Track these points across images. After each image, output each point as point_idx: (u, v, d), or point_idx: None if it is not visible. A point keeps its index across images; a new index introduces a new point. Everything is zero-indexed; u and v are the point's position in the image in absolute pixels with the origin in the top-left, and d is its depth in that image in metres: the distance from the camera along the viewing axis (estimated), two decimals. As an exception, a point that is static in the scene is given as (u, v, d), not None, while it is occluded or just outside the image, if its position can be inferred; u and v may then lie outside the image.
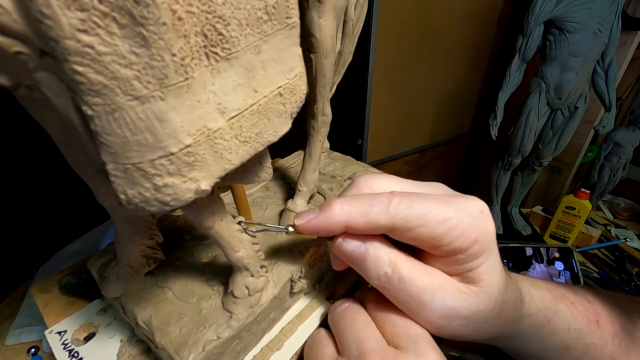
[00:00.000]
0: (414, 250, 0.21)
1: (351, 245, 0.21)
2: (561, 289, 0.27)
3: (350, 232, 0.21)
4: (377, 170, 0.39)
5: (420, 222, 0.19)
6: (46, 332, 0.27)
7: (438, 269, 0.21)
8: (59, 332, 0.27)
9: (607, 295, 0.28)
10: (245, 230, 0.23)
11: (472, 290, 0.20)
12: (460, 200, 0.20)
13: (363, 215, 0.20)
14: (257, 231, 0.23)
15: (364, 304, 0.24)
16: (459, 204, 0.20)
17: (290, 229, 0.22)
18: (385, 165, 1.19)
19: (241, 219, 0.23)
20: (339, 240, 0.21)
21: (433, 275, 0.20)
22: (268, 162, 0.20)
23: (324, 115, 0.28)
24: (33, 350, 0.38)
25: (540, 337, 0.24)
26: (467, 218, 0.19)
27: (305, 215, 0.21)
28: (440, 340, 0.21)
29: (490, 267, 0.21)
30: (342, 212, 0.20)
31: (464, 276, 0.21)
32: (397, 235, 0.20)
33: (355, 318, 0.22)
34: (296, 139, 0.27)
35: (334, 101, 0.29)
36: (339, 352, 0.22)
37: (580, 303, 0.27)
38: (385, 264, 0.20)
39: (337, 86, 0.34)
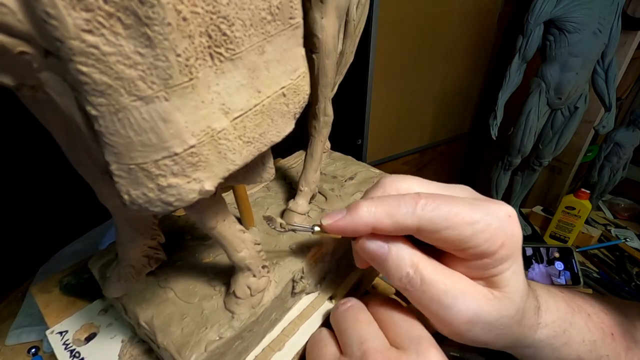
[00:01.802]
0: (439, 254, 0.21)
1: (374, 245, 0.21)
2: (577, 299, 0.27)
3: (377, 233, 0.21)
4: (378, 171, 0.39)
5: (447, 224, 0.19)
6: (47, 332, 0.27)
7: (462, 273, 0.21)
8: (60, 332, 0.27)
9: (622, 306, 0.28)
10: (273, 228, 0.23)
11: (495, 296, 0.20)
12: (487, 203, 0.20)
13: (389, 217, 0.19)
14: (285, 231, 0.23)
15: (366, 305, 0.24)
16: (487, 207, 0.20)
17: (317, 228, 0.22)
18: (385, 165, 1.19)
19: (269, 215, 0.23)
20: (362, 239, 0.21)
21: (456, 279, 0.20)
22: (270, 163, 0.20)
23: (326, 115, 0.28)
24: (33, 350, 0.38)
25: (554, 348, 0.24)
26: (495, 222, 0.19)
27: (332, 215, 0.21)
28: (442, 341, 0.21)
29: (515, 272, 0.20)
30: (369, 213, 0.20)
31: (489, 281, 0.21)
32: (424, 237, 0.20)
33: (358, 318, 0.22)
34: (297, 139, 0.27)
35: (334, 101, 0.29)
36: (341, 351, 0.22)
37: (597, 315, 0.26)
38: (407, 264, 0.20)
39: (338, 86, 0.33)
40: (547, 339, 0.24)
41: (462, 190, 0.22)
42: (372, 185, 0.24)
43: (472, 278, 0.21)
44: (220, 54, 0.13)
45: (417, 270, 0.20)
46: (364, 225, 0.20)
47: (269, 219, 0.24)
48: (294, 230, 0.24)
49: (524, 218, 0.99)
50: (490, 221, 0.19)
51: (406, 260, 0.20)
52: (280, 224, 0.24)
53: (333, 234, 0.21)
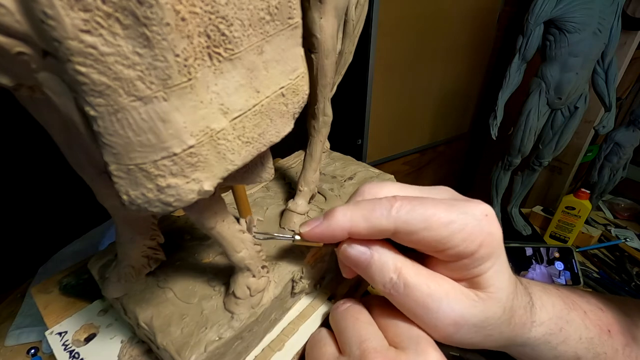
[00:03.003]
0: (422, 257, 0.21)
1: (356, 251, 0.21)
2: (573, 296, 0.27)
3: (355, 238, 0.21)
4: (377, 171, 0.39)
5: (423, 226, 0.19)
6: (47, 332, 0.27)
7: (445, 275, 0.21)
8: (60, 333, 0.27)
9: (618, 302, 0.28)
10: (253, 236, 0.23)
11: (479, 297, 0.20)
12: (464, 203, 0.20)
13: (365, 220, 0.20)
14: (264, 239, 0.24)
15: (365, 305, 0.24)
16: (464, 207, 0.20)
17: (297, 237, 0.22)
18: (385, 165, 1.18)
19: (251, 217, 0.23)
20: (344, 245, 0.21)
21: (439, 282, 0.20)
22: (270, 163, 0.20)
23: (325, 115, 0.28)
24: (33, 351, 0.38)
25: (551, 346, 0.24)
26: (471, 222, 0.19)
27: (309, 223, 0.21)
28: None
29: (497, 271, 0.20)
30: (345, 217, 0.20)
31: (472, 282, 0.20)
32: (401, 239, 0.20)
33: (357, 317, 0.22)
34: (296, 139, 0.27)
35: (333, 101, 0.29)
36: (340, 351, 0.22)
37: (593, 312, 0.26)
38: (391, 269, 0.20)
39: (337, 86, 0.33)
40: (543, 337, 0.24)
41: (442, 192, 0.22)
42: (352, 193, 0.24)
43: (455, 280, 0.21)
44: (219, 54, 0.13)
45: (401, 274, 0.20)
46: (340, 230, 0.20)
47: (249, 222, 0.23)
48: (273, 239, 0.24)
49: (524, 218, 0.99)
50: (467, 221, 0.19)
51: (389, 265, 0.20)
52: (256, 229, 0.23)
53: (313, 241, 0.22)
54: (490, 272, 0.20)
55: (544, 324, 0.24)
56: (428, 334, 0.21)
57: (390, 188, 0.22)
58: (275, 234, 0.24)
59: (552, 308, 0.24)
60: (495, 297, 0.20)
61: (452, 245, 0.19)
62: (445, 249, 0.19)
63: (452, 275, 0.21)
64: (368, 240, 0.21)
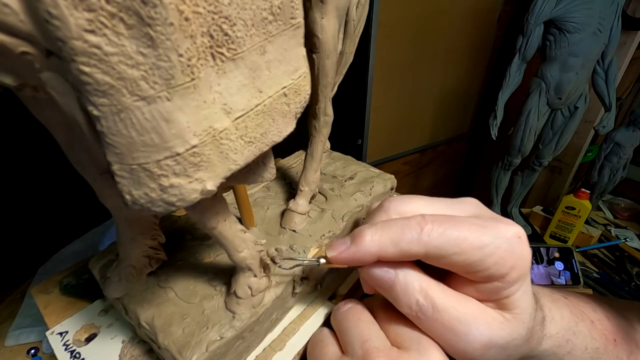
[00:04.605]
0: (446, 274, 0.21)
1: (380, 270, 0.20)
2: (581, 305, 0.26)
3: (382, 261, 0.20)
4: (377, 171, 0.39)
5: (455, 250, 0.18)
6: (47, 332, 0.27)
7: (471, 296, 0.20)
8: (60, 333, 0.27)
9: (624, 309, 0.28)
10: (278, 266, 0.24)
11: (506, 319, 0.20)
12: (496, 224, 0.19)
13: (394, 245, 0.19)
14: (291, 267, 0.23)
15: (367, 306, 0.24)
16: (496, 228, 0.19)
17: (322, 260, 0.22)
18: (385, 165, 1.19)
19: (274, 253, 0.24)
20: (368, 266, 0.21)
21: (466, 304, 0.20)
22: (271, 163, 0.20)
23: (326, 115, 0.28)
24: (33, 351, 0.38)
25: (557, 357, 0.24)
26: (504, 244, 0.19)
27: (336, 246, 0.21)
28: None
29: (523, 293, 0.20)
30: (373, 242, 0.19)
31: (499, 303, 0.20)
32: (431, 262, 0.20)
33: (359, 318, 0.22)
34: (297, 139, 0.27)
35: (334, 101, 0.29)
36: (342, 351, 0.22)
37: (600, 321, 0.26)
38: (416, 290, 0.20)
39: (338, 86, 0.33)
40: (550, 349, 0.24)
41: (469, 205, 0.22)
42: (375, 208, 0.23)
43: (481, 300, 0.20)
44: (222, 54, 0.13)
45: (428, 296, 0.19)
46: (369, 255, 0.20)
47: (278, 252, 0.23)
48: (300, 266, 0.24)
49: (524, 218, 0.99)
50: (499, 244, 0.19)
51: (415, 286, 0.20)
52: (284, 258, 0.24)
53: (339, 265, 0.21)
54: (518, 294, 0.20)
55: (552, 337, 0.24)
56: (452, 354, 0.20)
57: (415, 205, 0.22)
58: (302, 259, 0.23)
59: (560, 320, 0.24)
60: (521, 319, 0.20)
61: (483, 268, 0.19)
62: (476, 271, 0.19)
63: (478, 295, 0.20)
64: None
